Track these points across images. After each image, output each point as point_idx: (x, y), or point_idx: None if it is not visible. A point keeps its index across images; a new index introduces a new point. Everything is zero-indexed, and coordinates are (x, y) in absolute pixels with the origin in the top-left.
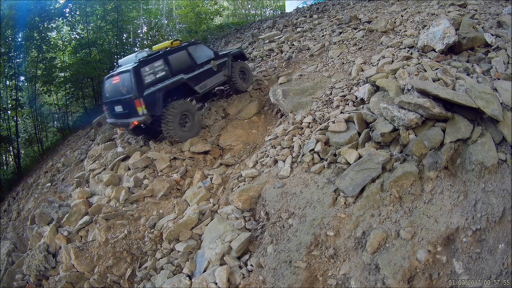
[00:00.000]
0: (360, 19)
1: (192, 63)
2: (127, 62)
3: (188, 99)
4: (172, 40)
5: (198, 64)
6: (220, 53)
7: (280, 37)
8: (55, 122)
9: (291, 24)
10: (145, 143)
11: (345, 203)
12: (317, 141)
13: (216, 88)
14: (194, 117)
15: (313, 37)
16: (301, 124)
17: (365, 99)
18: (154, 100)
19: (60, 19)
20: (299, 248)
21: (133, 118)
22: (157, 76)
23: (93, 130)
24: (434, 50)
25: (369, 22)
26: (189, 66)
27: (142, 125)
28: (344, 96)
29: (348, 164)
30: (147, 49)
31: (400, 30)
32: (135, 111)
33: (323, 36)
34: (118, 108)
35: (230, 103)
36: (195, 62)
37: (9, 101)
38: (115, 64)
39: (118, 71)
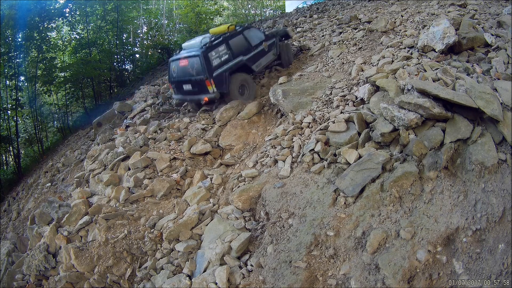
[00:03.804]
0: (360, 19)
1: (248, 46)
2: (192, 46)
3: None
4: (228, 25)
5: (253, 46)
6: (269, 34)
7: None
8: (55, 122)
9: (291, 24)
10: (145, 143)
11: (345, 203)
12: (317, 141)
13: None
14: (250, 86)
15: (313, 37)
16: (301, 124)
17: (365, 99)
18: (222, 80)
19: (60, 19)
20: (299, 248)
21: (204, 94)
22: (222, 59)
23: (93, 130)
24: (434, 50)
25: (369, 22)
26: (246, 48)
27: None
28: (344, 96)
29: (348, 164)
30: (208, 34)
31: (400, 30)
32: (205, 89)
33: (323, 36)
34: (187, 87)
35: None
36: (251, 44)
37: (9, 101)
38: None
39: (186, 54)
